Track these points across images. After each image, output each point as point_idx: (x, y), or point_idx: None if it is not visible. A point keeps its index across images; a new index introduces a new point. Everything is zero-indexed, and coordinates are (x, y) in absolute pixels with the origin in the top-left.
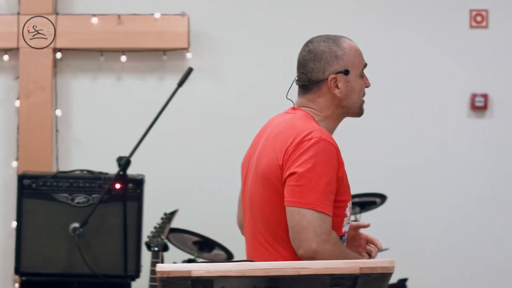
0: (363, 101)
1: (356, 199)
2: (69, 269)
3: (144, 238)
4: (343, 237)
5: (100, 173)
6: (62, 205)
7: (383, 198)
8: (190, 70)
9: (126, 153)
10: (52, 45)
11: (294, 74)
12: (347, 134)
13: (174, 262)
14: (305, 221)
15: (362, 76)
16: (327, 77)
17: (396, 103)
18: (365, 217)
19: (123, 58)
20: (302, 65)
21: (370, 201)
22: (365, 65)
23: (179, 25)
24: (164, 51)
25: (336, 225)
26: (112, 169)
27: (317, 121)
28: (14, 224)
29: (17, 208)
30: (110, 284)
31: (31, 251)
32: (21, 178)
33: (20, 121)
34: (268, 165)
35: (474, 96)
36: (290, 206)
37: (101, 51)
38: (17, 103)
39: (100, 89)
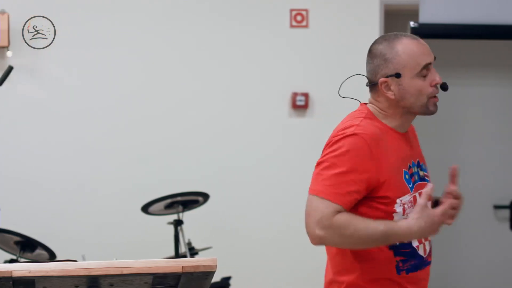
0: (428, 100)
1: (179, 198)
2: None
3: None
4: None
5: None
6: None
7: (205, 196)
8: (10, 69)
9: None
10: None
11: (114, 73)
12: (169, 133)
13: None
14: (310, 207)
15: (423, 75)
16: (378, 81)
17: (216, 102)
18: (188, 216)
19: None
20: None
21: (193, 200)
22: (426, 64)
23: None
24: None
25: None
26: None
27: (379, 118)
28: None
29: None
30: None
31: None
32: None
33: None
34: None
35: (295, 95)
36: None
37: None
38: None
39: None
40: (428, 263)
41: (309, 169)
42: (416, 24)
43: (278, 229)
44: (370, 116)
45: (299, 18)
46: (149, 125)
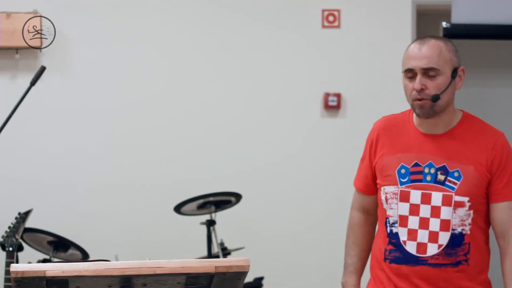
0: (412, 102)
1: (211, 198)
2: None
3: None
4: (387, 219)
5: None
6: None
7: (238, 197)
8: (43, 69)
9: None
10: None
11: (145, 72)
12: (203, 133)
13: (29, 262)
14: None
15: (408, 77)
16: None
17: (251, 103)
18: (220, 216)
19: None
20: None
21: (225, 200)
22: (407, 69)
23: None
24: (17, 49)
25: (379, 206)
26: None
27: (412, 117)
28: None
29: None
30: None
31: None
32: None
33: None
34: None
35: (327, 95)
36: None
37: None
38: None
39: None
40: (425, 263)
41: (341, 169)
42: (448, 25)
43: (311, 228)
44: (409, 112)
45: (331, 18)
46: (181, 123)
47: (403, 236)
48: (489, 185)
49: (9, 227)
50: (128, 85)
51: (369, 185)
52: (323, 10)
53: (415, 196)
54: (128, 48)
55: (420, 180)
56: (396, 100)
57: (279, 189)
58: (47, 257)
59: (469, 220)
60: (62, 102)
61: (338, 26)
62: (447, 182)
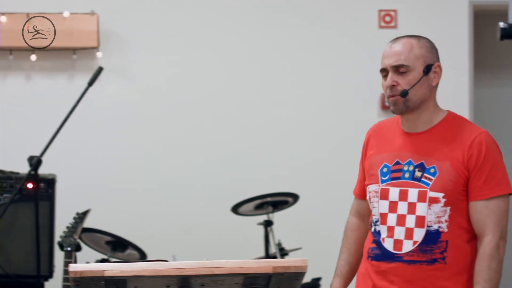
0: (388, 99)
1: (269, 199)
2: None
3: (57, 238)
4: (372, 218)
5: (11, 172)
6: None
7: (295, 197)
8: (100, 69)
9: (37, 153)
10: None
11: (201, 73)
12: (259, 133)
13: (87, 262)
14: None
15: (384, 76)
16: None
17: (307, 103)
18: (278, 217)
19: (33, 57)
20: None
21: (282, 201)
22: (381, 68)
23: (88, 24)
24: (74, 50)
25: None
26: (23, 168)
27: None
28: None
29: None
30: (23, 285)
31: None
32: None
33: None
34: None
35: (384, 96)
36: None
37: (10, 50)
38: None
39: (10, 88)
40: (401, 259)
41: None
42: (505, 25)
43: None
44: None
45: (387, 18)
46: (238, 124)
47: (383, 234)
48: (467, 183)
49: (68, 227)
50: (184, 86)
51: (363, 189)
52: (380, 11)
53: (394, 193)
54: (184, 49)
55: (399, 178)
56: (450, 101)
57: (337, 189)
58: (105, 257)
59: (446, 217)
60: (119, 103)
61: (395, 27)
62: (423, 178)
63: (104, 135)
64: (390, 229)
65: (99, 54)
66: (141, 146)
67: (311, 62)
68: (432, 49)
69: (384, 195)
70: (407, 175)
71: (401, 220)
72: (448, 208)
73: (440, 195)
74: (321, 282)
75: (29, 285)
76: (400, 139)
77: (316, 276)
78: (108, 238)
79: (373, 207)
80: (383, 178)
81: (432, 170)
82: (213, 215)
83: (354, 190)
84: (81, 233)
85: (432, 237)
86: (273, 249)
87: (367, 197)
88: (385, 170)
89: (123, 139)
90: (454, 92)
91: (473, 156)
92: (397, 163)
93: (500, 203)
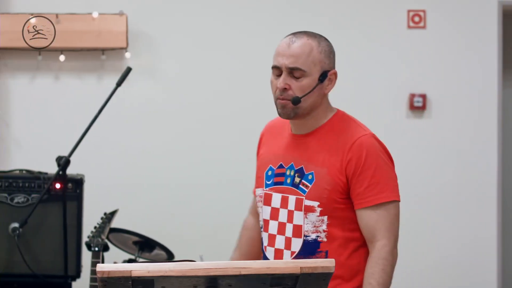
0: (276, 100)
1: None
2: (9, 269)
3: (84, 238)
4: (260, 223)
5: (40, 172)
6: (1, 205)
7: None
8: (129, 70)
9: (65, 153)
10: None
11: (232, 74)
12: None
13: (115, 262)
14: None
15: (275, 74)
16: None
17: (336, 104)
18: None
19: (62, 58)
20: None
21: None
22: (272, 66)
23: (117, 25)
24: (103, 50)
25: None
26: (52, 169)
27: None
28: None
29: None
30: (50, 284)
31: None
32: None
33: None
34: None
35: (412, 96)
36: None
37: (39, 51)
38: None
39: (39, 88)
40: None
41: (427, 170)
42: None
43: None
44: None
45: (416, 19)
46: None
47: (265, 242)
48: (349, 190)
49: (95, 227)
50: (213, 85)
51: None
52: (409, 11)
53: (276, 199)
54: (212, 50)
55: (281, 183)
56: (478, 101)
57: None
58: (133, 257)
59: (324, 227)
60: (148, 103)
61: (424, 27)
62: (300, 185)
63: (132, 135)
64: (271, 238)
65: (127, 54)
66: (168, 145)
67: (339, 63)
68: (330, 54)
69: (267, 200)
70: (288, 180)
71: (281, 228)
72: (325, 217)
73: (315, 203)
74: None
75: (56, 285)
76: (287, 140)
77: None
78: (136, 238)
79: (259, 212)
80: (267, 182)
81: (310, 177)
82: (241, 215)
83: (253, 189)
84: (108, 233)
85: (310, 247)
86: None
87: (256, 200)
88: (269, 173)
89: (151, 139)
90: (482, 92)
91: (352, 161)
92: (281, 166)
93: (389, 208)
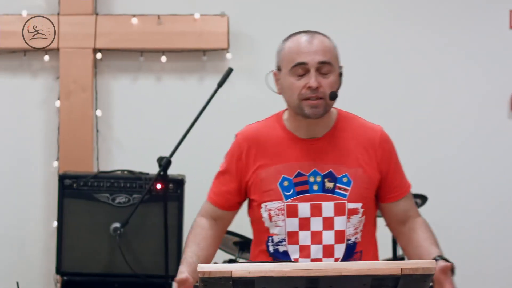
0: (300, 101)
1: None
2: (110, 269)
3: (185, 238)
4: (269, 238)
5: (141, 173)
6: (103, 205)
7: (424, 199)
8: (230, 71)
9: (166, 153)
10: (92, 46)
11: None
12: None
13: (215, 263)
14: None
15: (298, 74)
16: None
17: (437, 104)
18: None
19: (163, 59)
20: None
21: None
22: (297, 63)
23: (218, 25)
24: (204, 51)
25: (256, 224)
26: (153, 169)
27: (284, 120)
28: (55, 224)
29: (58, 208)
30: (151, 284)
31: (72, 251)
32: (62, 178)
33: (61, 121)
34: None
35: None
36: None
37: (141, 52)
38: (58, 103)
39: (140, 89)
40: None
41: None
42: None
43: (493, 232)
44: (276, 118)
45: None
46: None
47: (294, 254)
48: (380, 184)
49: None
50: None
51: (231, 200)
52: (511, 11)
53: (304, 209)
54: None
55: (306, 191)
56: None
57: (465, 192)
58: (233, 257)
59: (361, 227)
60: (249, 104)
61: None
62: (337, 190)
63: (233, 136)
64: (304, 248)
65: (229, 55)
66: None
67: (442, 64)
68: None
69: (291, 212)
70: (315, 187)
71: (316, 237)
72: (364, 218)
73: (359, 205)
74: None
75: (157, 284)
76: (296, 147)
77: None
78: (236, 239)
79: (276, 226)
80: (287, 194)
81: (345, 180)
82: None
83: (215, 200)
84: None
85: (350, 250)
86: (400, 251)
87: (265, 216)
88: (285, 184)
89: None
90: None
91: (384, 156)
92: (300, 174)
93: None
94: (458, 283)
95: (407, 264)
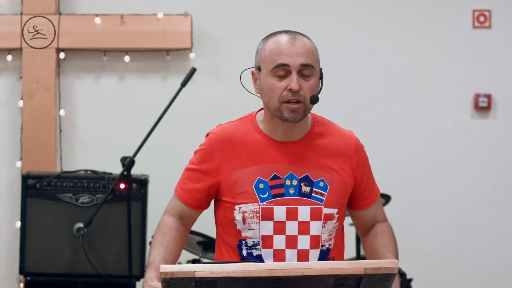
0: (281, 104)
1: None
2: (74, 269)
3: (149, 238)
4: (242, 241)
5: (104, 173)
6: (66, 205)
7: (387, 198)
8: (193, 70)
9: (130, 153)
10: (55, 45)
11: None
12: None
13: (178, 263)
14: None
15: (278, 75)
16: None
17: (399, 103)
18: None
19: (127, 58)
20: None
21: None
22: (278, 65)
23: (182, 25)
24: (167, 51)
25: (226, 226)
26: (116, 169)
27: (258, 121)
28: (19, 224)
29: (21, 208)
30: (114, 284)
31: (35, 251)
32: (25, 178)
33: (24, 121)
34: None
35: (477, 96)
36: None
37: (104, 51)
38: (21, 103)
39: (104, 89)
40: None
41: (492, 171)
42: None
43: (460, 231)
44: (250, 119)
45: (481, 19)
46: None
47: (268, 259)
48: (353, 191)
49: None
50: None
51: (200, 200)
52: (474, 11)
53: (279, 212)
54: None
55: (282, 195)
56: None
57: (428, 189)
58: (197, 257)
59: (334, 233)
60: (213, 103)
61: (489, 27)
62: (313, 194)
63: (197, 135)
64: (279, 253)
65: (192, 55)
66: None
67: (403, 63)
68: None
69: (266, 215)
70: (291, 190)
71: (291, 242)
72: (337, 224)
73: (334, 211)
74: (412, 284)
75: (120, 285)
76: (273, 149)
77: (407, 277)
78: (200, 239)
79: (250, 229)
80: (262, 196)
81: (321, 184)
82: None
83: (184, 198)
84: None
85: (324, 257)
86: (363, 251)
87: (238, 218)
88: (261, 186)
89: None
90: None
91: (359, 162)
92: (276, 177)
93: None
94: (419, 283)
95: (370, 264)
